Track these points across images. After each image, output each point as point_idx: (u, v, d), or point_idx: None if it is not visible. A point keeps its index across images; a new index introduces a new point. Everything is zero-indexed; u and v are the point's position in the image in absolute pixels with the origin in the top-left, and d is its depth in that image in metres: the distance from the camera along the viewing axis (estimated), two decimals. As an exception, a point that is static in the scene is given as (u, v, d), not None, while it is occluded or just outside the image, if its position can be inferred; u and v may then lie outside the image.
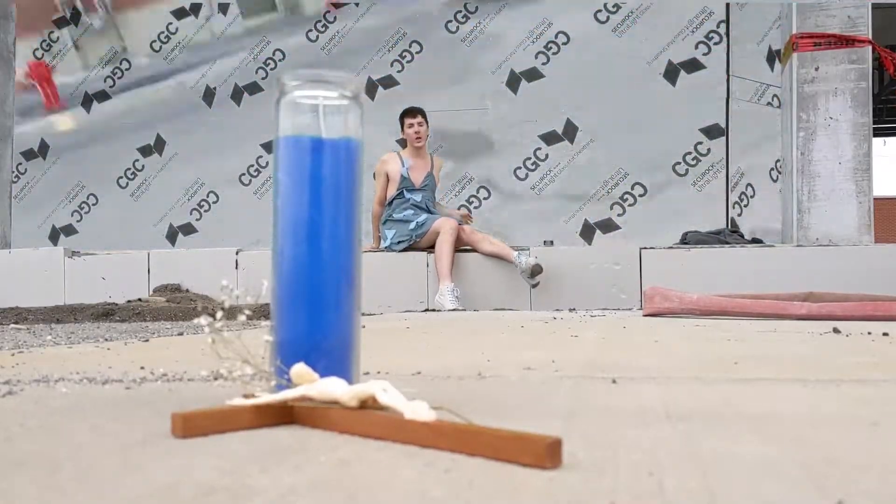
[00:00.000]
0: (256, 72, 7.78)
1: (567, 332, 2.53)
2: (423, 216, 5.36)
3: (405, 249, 5.36)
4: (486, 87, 7.27)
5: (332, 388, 0.84)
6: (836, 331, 2.42)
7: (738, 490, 0.60)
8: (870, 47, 5.60)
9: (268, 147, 7.29)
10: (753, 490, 0.60)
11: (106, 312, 4.30)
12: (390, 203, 5.51)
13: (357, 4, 7.45)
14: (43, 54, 8.21)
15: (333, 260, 0.95)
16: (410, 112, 5.57)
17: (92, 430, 0.85)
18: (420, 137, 5.49)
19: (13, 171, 7.50)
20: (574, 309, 4.83)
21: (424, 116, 5.58)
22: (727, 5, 6.79)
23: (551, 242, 5.81)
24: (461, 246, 5.28)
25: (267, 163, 7.52)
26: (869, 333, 2.31)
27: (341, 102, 0.97)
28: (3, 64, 7.09)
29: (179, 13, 7.96)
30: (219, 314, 0.90)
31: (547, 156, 7.13)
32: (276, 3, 7.72)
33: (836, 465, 0.68)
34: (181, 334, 2.71)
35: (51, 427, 0.88)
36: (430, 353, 1.83)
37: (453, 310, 4.79)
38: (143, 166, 8.00)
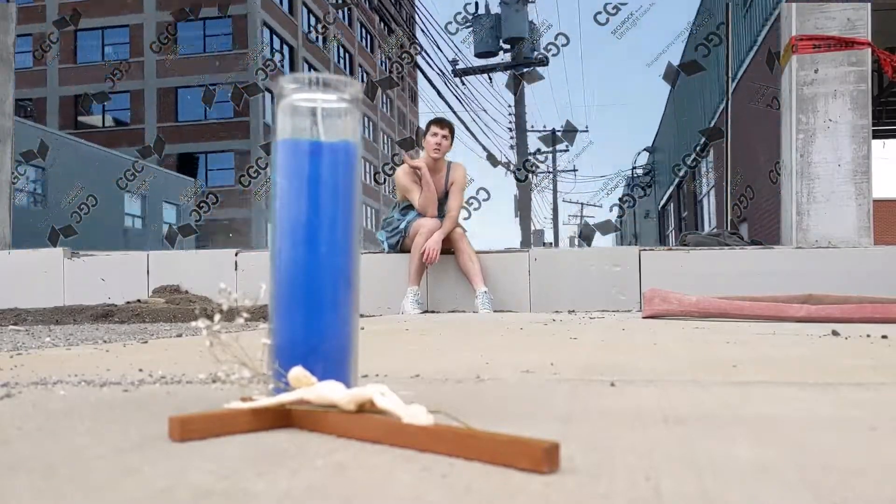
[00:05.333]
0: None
1: (566, 334, 2.53)
2: (412, 214, 5.26)
3: (399, 251, 5.31)
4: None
5: (330, 391, 0.84)
6: (835, 333, 2.41)
7: (734, 494, 0.60)
8: (869, 49, 5.60)
9: (267, 149, 7.28)
10: (750, 494, 0.60)
11: (105, 314, 4.30)
12: (396, 206, 5.44)
13: (355, 4, 7.44)
14: (43, 55, 8.21)
15: (331, 262, 0.95)
16: (439, 122, 5.33)
17: (89, 433, 0.85)
18: (439, 149, 5.23)
19: (13, 172, 7.48)
20: (573, 311, 4.83)
21: (452, 132, 5.33)
22: (727, 7, 6.79)
23: (550, 244, 5.79)
24: (447, 246, 5.14)
25: (266, 164, 7.51)
26: (868, 336, 2.31)
27: (339, 106, 0.97)
28: (3, 64, 7.09)
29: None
30: (217, 317, 0.90)
31: (546, 157, 7.12)
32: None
33: (834, 470, 0.68)
34: (180, 336, 2.70)
35: (48, 430, 0.88)
36: (429, 356, 1.83)
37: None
38: (142, 167, 7.99)
